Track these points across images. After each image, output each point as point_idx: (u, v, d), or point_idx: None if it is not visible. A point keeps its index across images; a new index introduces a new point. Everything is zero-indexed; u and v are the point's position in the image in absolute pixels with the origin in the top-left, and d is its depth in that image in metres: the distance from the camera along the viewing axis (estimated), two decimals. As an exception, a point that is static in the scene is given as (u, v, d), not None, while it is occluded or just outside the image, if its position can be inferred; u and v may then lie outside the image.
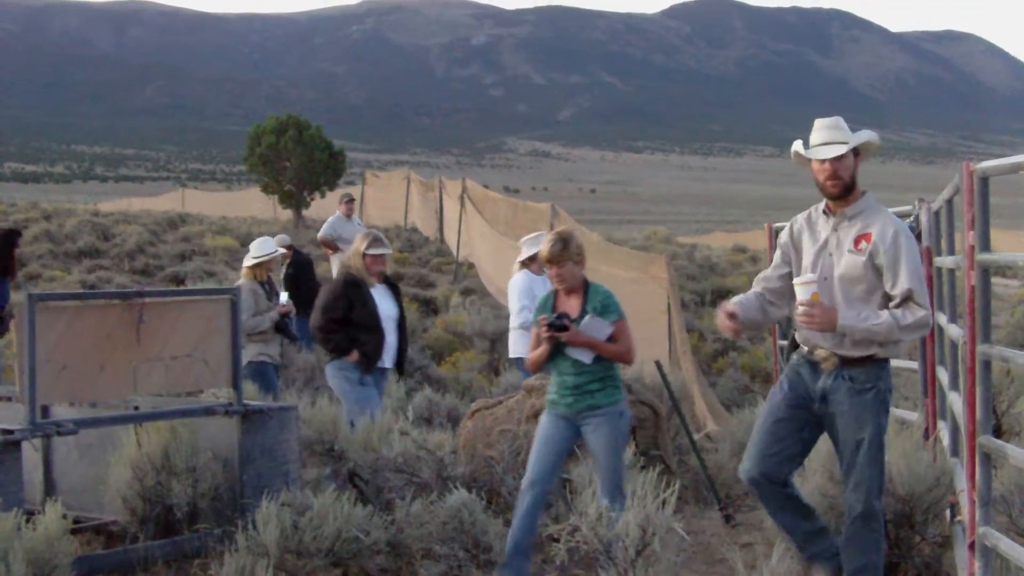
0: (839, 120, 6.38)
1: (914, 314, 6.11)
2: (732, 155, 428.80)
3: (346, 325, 10.14)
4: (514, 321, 12.41)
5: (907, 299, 6.14)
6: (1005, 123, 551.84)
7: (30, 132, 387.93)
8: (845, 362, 6.30)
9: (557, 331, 7.33)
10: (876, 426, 6.24)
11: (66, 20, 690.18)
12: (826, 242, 6.40)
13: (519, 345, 12.23)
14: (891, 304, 6.19)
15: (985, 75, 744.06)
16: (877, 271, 6.21)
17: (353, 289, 10.18)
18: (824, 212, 6.48)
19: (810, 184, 6.40)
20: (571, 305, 7.52)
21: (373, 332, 10.22)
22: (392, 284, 10.81)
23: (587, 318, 7.36)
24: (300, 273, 17.06)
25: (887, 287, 6.20)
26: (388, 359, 10.52)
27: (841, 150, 6.27)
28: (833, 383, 6.33)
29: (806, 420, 6.46)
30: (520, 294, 12.28)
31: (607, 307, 7.48)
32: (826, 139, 6.32)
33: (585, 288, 7.57)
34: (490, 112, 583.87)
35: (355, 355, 10.19)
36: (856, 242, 6.27)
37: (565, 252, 7.44)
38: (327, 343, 10.33)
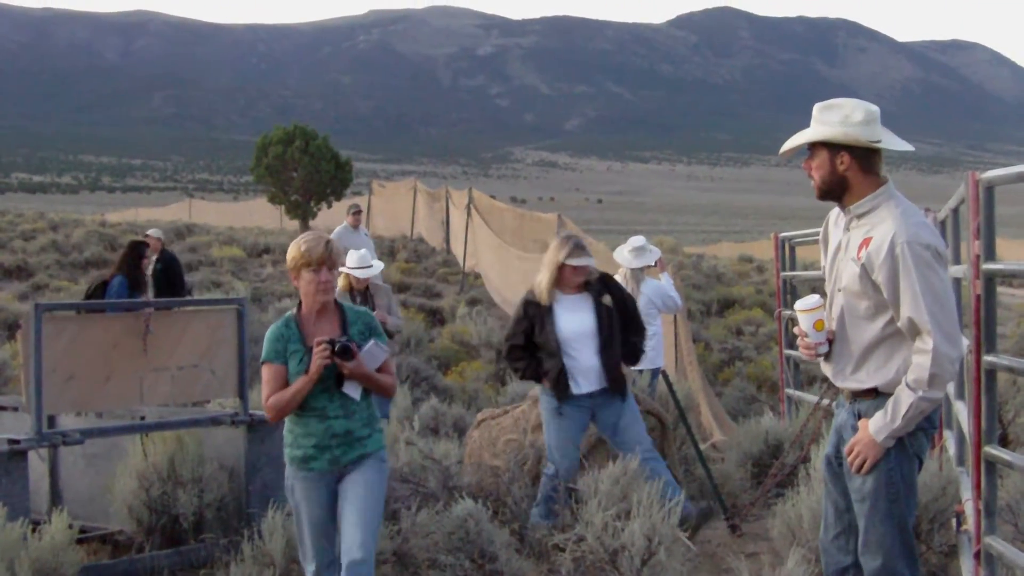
0: (834, 102, 5.18)
1: (922, 365, 4.87)
2: (738, 165, 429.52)
3: (535, 348, 8.75)
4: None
5: (914, 333, 4.94)
6: (1012, 132, 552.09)
7: (37, 142, 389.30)
8: (855, 394, 5.23)
9: (344, 359, 5.88)
10: (884, 473, 5.07)
11: (73, 30, 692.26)
12: (840, 245, 5.24)
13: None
14: (902, 327, 4.99)
15: (992, 84, 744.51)
16: (878, 287, 4.99)
17: (533, 308, 8.75)
18: (841, 208, 5.29)
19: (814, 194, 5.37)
20: (326, 329, 6.03)
21: (553, 356, 8.59)
22: (599, 289, 8.76)
23: (371, 344, 6.00)
24: (168, 269, 17.23)
25: (894, 315, 5.00)
26: (587, 382, 8.66)
27: (788, 145, 5.26)
28: (845, 418, 5.31)
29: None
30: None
31: (374, 331, 6.15)
32: (803, 129, 5.24)
33: (340, 309, 6.17)
34: (496, 122, 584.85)
35: (545, 381, 8.70)
36: (859, 248, 5.05)
37: (335, 255, 6.09)
38: (515, 371, 9.12)
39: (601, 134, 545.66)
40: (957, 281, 7.90)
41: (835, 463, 5.36)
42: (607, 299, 8.67)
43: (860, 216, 5.11)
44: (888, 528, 5.07)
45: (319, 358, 5.83)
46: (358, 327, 6.08)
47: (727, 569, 7.76)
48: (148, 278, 14.03)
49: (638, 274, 12.26)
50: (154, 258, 17.19)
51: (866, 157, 5.08)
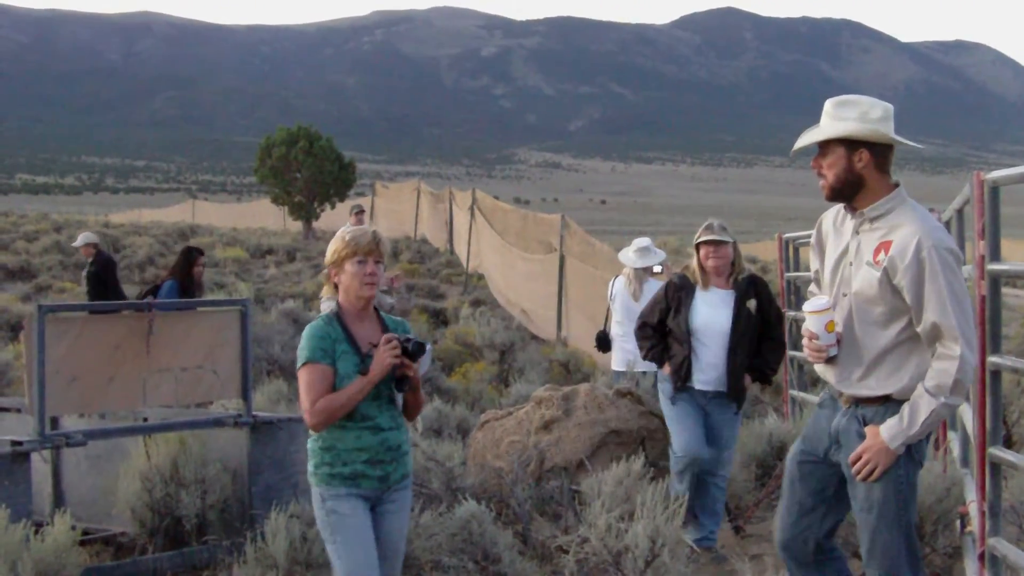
0: (848, 98, 5.07)
1: (946, 371, 4.77)
2: (742, 165, 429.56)
3: (666, 333, 8.58)
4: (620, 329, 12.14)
5: (935, 338, 4.82)
6: (1015, 132, 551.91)
7: (40, 143, 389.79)
8: (858, 399, 5.08)
9: (413, 360, 5.38)
10: (894, 480, 4.98)
11: (76, 32, 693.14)
12: (846, 249, 5.10)
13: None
14: (922, 332, 4.87)
15: (995, 85, 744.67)
16: (898, 292, 4.87)
17: (674, 291, 8.53)
18: (849, 210, 5.15)
19: (820, 194, 5.24)
20: (370, 332, 5.47)
21: (680, 345, 8.40)
22: (746, 290, 8.42)
23: (429, 348, 5.47)
24: (104, 272, 17.21)
25: (914, 320, 4.88)
26: (707, 379, 8.40)
27: (804, 141, 5.11)
28: (845, 423, 5.12)
29: (828, 476, 5.26)
30: None
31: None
32: (816, 127, 5.12)
33: (378, 315, 5.61)
34: (500, 123, 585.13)
35: (666, 367, 8.55)
36: (876, 252, 4.92)
37: (382, 247, 5.56)
38: (641, 349, 8.85)
39: (605, 135, 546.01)
40: (961, 282, 7.89)
41: (809, 461, 5.29)
42: (752, 303, 8.38)
43: (874, 219, 4.99)
44: (896, 535, 4.98)
45: (389, 356, 5.27)
46: (398, 332, 5.48)
47: (731, 570, 7.75)
48: (201, 283, 13.93)
49: (641, 274, 12.23)
50: (89, 261, 17.22)
51: (883, 155, 4.98)
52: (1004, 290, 6.23)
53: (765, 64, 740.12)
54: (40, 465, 8.34)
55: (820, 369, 5.24)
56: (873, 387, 5.00)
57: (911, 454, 4.98)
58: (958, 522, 7.03)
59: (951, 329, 4.73)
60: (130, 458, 8.20)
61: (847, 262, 5.07)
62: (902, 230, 4.86)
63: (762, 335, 8.46)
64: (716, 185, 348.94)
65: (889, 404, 4.97)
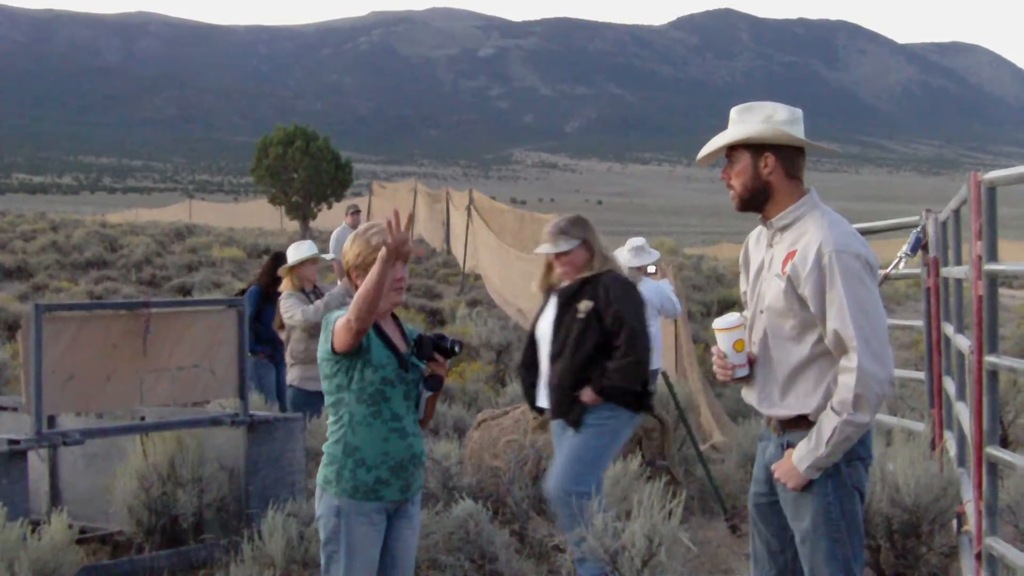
0: (753, 104, 4.82)
1: (846, 385, 4.46)
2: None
3: None
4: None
5: (842, 350, 4.52)
6: (1011, 134, 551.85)
7: (38, 143, 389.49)
8: (784, 424, 4.75)
9: (446, 356, 5.22)
10: (822, 509, 4.63)
11: (74, 31, 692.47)
12: (762, 263, 4.83)
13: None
14: (829, 344, 4.57)
15: (992, 86, 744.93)
16: (804, 303, 4.58)
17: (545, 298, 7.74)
18: (763, 223, 4.89)
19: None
20: (396, 335, 5.26)
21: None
22: (576, 291, 7.33)
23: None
24: None
25: (822, 332, 4.57)
26: (544, 395, 7.46)
27: (707, 149, 4.85)
28: (774, 452, 4.81)
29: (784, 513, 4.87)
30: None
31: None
32: (719, 134, 4.85)
33: (392, 315, 5.33)
34: (497, 123, 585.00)
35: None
36: (784, 262, 4.64)
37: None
38: None
39: (601, 135, 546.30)
40: (959, 282, 7.90)
41: (764, 502, 4.92)
42: (584, 304, 7.26)
43: (783, 229, 4.72)
44: (834, 570, 4.60)
45: (446, 363, 5.19)
46: (409, 336, 5.30)
47: (727, 569, 7.76)
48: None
49: (635, 274, 12.24)
50: None
51: (791, 160, 4.72)
52: (1001, 290, 6.24)
53: (762, 65, 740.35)
54: (37, 464, 8.35)
55: (744, 393, 4.92)
56: (792, 406, 4.68)
57: (842, 481, 4.63)
58: (955, 521, 7.05)
59: (850, 339, 4.43)
60: (127, 457, 8.21)
61: (762, 277, 4.80)
62: (806, 237, 4.59)
63: (602, 344, 7.22)
64: (712, 186, 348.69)
65: (809, 424, 4.64)
